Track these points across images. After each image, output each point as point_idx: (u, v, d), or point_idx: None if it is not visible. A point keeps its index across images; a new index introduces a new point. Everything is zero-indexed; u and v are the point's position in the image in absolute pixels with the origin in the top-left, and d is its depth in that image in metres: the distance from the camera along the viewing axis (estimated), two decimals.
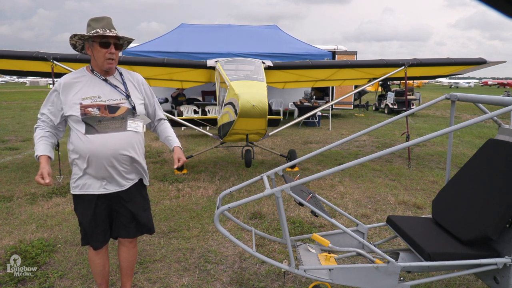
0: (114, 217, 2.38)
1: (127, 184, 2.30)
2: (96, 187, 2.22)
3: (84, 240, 2.37)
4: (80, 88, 2.18)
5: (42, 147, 2.15)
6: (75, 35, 2.18)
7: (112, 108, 2.19)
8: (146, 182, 2.45)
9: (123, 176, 2.26)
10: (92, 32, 2.11)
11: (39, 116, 2.26)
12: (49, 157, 2.15)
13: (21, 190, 5.17)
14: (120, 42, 2.25)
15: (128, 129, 2.22)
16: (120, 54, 2.36)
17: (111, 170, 2.19)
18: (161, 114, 2.59)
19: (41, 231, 3.84)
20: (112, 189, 2.25)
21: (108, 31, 2.13)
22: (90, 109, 2.14)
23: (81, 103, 2.14)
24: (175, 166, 2.40)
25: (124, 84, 2.29)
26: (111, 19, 2.21)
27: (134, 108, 2.25)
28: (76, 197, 2.27)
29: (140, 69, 6.27)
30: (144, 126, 2.37)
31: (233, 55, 9.52)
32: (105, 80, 2.24)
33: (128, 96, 2.26)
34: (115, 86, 2.24)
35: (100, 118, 2.15)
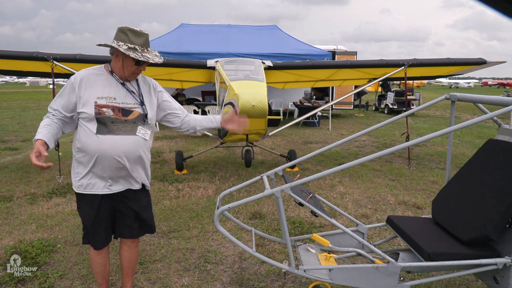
0: (117, 217, 2.38)
1: (132, 186, 2.32)
2: (100, 187, 2.22)
3: (85, 238, 2.37)
4: (96, 86, 2.18)
5: (43, 132, 2.09)
6: (112, 46, 2.15)
7: (125, 111, 2.20)
8: (148, 187, 2.46)
9: (130, 176, 2.27)
10: (131, 47, 2.12)
11: (49, 109, 2.23)
12: (46, 143, 2.06)
13: (21, 190, 5.17)
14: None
15: (137, 134, 2.23)
16: None
17: (120, 170, 2.21)
18: (183, 112, 2.57)
19: (41, 231, 3.84)
20: (116, 189, 2.26)
21: (146, 50, 2.17)
22: (104, 109, 2.14)
23: (96, 102, 2.14)
24: (242, 129, 2.44)
25: (139, 90, 2.31)
26: (148, 36, 2.22)
27: (146, 115, 2.27)
28: (80, 196, 2.27)
29: None
30: (152, 134, 2.37)
31: (233, 55, 9.52)
32: (123, 84, 2.25)
33: (142, 103, 2.27)
34: (131, 91, 2.26)
35: (113, 120, 2.16)
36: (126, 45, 2.12)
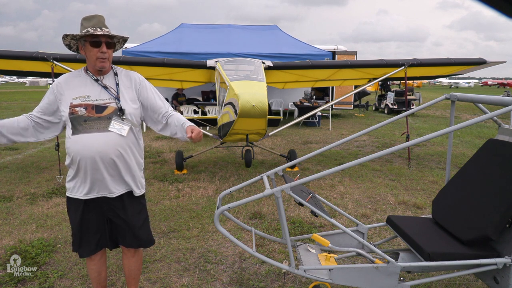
0: (111, 224, 2.30)
1: (115, 192, 2.18)
2: (83, 192, 2.15)
3: (73, 246, 2.30)
4: (73, 88, 2.16)
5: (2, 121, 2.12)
6: (67, 35, 2.15)
7: (99, 108, 2.12)
8: (137, 192, 2.26)
9: (109, 180, 2.14)
10: (83, 31, 2.07)
11: (29, 113, 2.24)
12: None
13: (21, 190, 5.17)
14: (113, 41, 2.18)
15: (110, 129, 2.10)
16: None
17: (97, 172, 2.10)
18: (166, 111, 2.34)
19: (41, 231, 3.84)
20: (98, 194, 2.16)
21: (98, 29, 2.08)
22: (77, 108, 2.10)
23: (71, 103, 2.11)
24: (188, 135, 2.12)
25: (117, 85, 2.21)
26: (103, 17, 2.16)
27: (121, 109, 2.15)
28: (67, 199, 2.25)
29: (140, 69, 6.27)
30: (134, 129, 2.21)
31: (233, 55, 9.52)
32: (97, 80, 2.18)
33: (117, 98, 2.17)
34: (105, 87, 2.18)
35: (86, 118, 2.09)
36: (82, 32, 2.09)
